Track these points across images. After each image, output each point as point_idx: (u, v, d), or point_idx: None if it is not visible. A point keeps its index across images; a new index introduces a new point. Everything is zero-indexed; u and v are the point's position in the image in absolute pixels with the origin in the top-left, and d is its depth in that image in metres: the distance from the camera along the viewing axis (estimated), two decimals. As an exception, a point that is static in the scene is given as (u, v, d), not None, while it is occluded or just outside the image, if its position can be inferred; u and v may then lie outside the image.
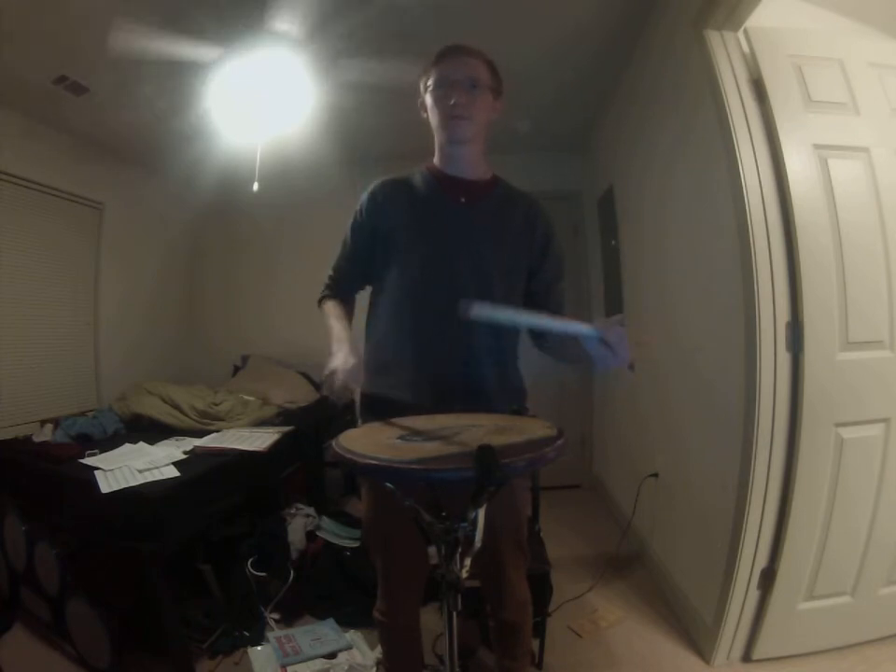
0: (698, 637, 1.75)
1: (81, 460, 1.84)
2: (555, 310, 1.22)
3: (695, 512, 1.93)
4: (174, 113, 2.44)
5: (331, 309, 1.22)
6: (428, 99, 1.15)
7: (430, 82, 1.14)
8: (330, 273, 1.30)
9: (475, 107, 1.11)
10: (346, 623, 1.88)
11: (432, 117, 1.16)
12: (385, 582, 1.21)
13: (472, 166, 1.19)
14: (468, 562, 0.79)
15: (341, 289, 1.27)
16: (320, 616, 1.93)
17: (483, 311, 0.84)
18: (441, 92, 1.11)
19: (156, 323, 3.52)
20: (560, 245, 1.24)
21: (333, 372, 0.99)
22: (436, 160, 1.21)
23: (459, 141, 1.14)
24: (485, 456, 0.66)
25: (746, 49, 1.58)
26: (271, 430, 2.35)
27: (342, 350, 1.05)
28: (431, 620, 1.48)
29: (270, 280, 3.75)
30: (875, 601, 1.64)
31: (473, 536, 0.78)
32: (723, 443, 1.68)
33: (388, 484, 0.79)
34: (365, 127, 2.72)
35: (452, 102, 1.09)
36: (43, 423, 2.28)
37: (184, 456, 1.92)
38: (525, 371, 1.26)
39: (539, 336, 1.22)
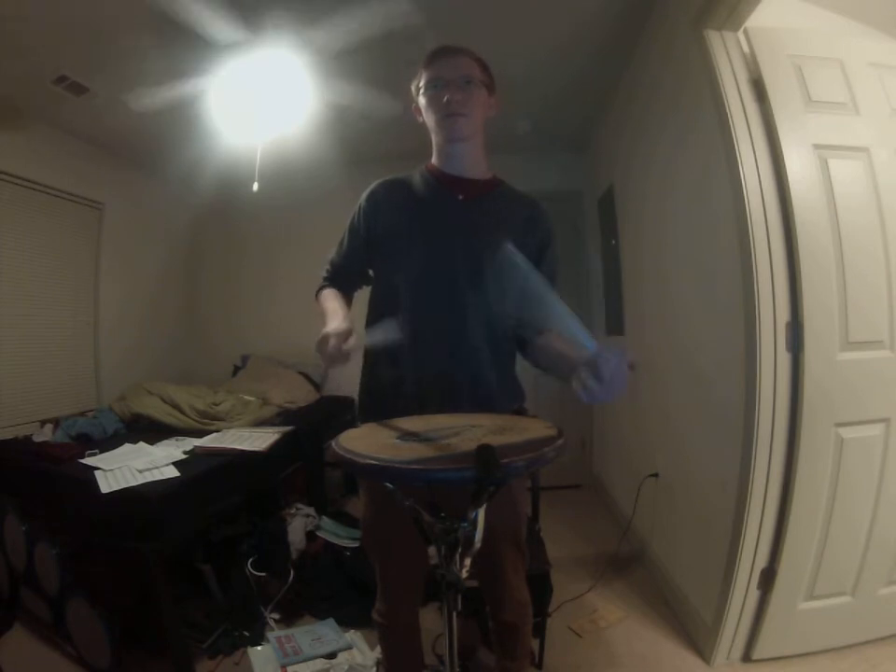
0: (698, 637, 1.75)
1: (81, 460, 1.84)
2: None
3: (695, 512, 1.93)
4: (174, 113, 2.44)
5: (326, 295, 1.21)
6: (422, 100, 1.14)
7: (423, 83, 1.13)
8: (327, 267, 1.29)
9: (471, 104, 1.11)
10: (346, 623, 1.88)
11: (428, 118, 1.15)
12: (383, 583, 1.21)
13: (472, 165, 1.18)
14: (468, 562, 0.79)
15: (336, 285, 1.27)
16: (320, 616, 1.93)
17: None
18: (434, 92, 1.11)
19: (156, 323, 3.52)
20: (557, 252, 1.23)
21: (325, 336, 0.97)
22: (434, 160, 1.21)
23: (457, 139, 1.13)
24: (485, 456, 0.66)
25: (746, 49, 1.58)
26: (271, 430, 2.35)
27: (335, 319, 1.03)
28: (431, 620, 1.48)
29: (270, 280, 3.76)
30: (875, 601, 1.64)
31: (473, 536, 0.77)
32: (723, 443, 1.68)
33: (388, 485, 0.79)
34: (365, 128, 2.72)
35: (446, 99, 1.08)
36: (43, 423, 2.28)
37: (184, 456, 1.92)
38: (525, 372, 1.25)
39: (522, 345, 1.21)
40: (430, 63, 1.13)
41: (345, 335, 0.97)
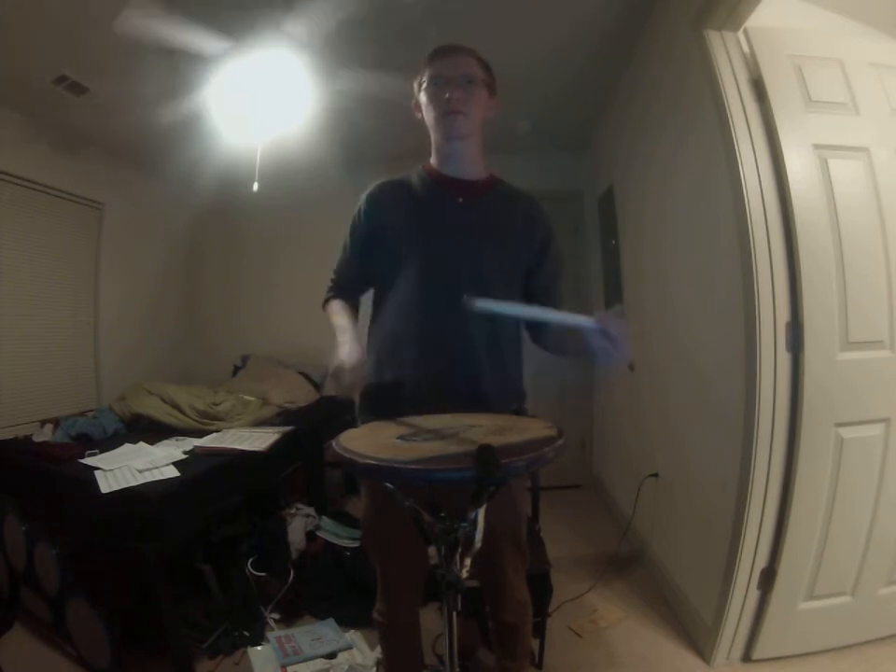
0: (698, 637, 1.75)
1: (81, 460, 1.84)
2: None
3: (695, 512, 1.93)
4: (174, 113, 2.44)
5: (334, 308, 1.22)
6: (423, 97, 1.15)
7: (424, 80, 1.14)
8: (332, 276, 1.29)
9: (471, 103, 1.11)
10: (346, 622, 1.88)
11: (427, 115, 1.15)
12: (384, 583, 1.21)
13: (470, 165, 1.18)
14: (468, 562, 0.79)
15: (343, 292, 1.27)
16: (320, 616, 1.93)
17: (484, 305, 0.85)
18: (435, 90, 1.11)
19: (156, 323, 3.52)
20: (559, 245, 1.24)
21: (340, 367, 0.99)
22: (433, 160, 1.21)
23: (456, 137, 1.14)
24: (485, 456, 0.66)
25: (746, 48, 1.58)
26: (271, 430, 2.35)
27: (346, 344, 1.05)
28: (431, 620, 1.48)
29: (270, 280, 3.76)
30: (875, 601, 1.64)
31: (473, 536, 0.77)
32: (723, 443, 1.68)
33: (388, 485, 0.79)
34: (365, 128, 2.72)
35: (447, 97, 1.09)
36: (43, 423, 2.28)
37: (184, 456, 1.92)
38: (525, 372, 1.26)
39: (536, 331, 1.22)
40: (433, 61, 1.13)
41: (359, 367, 1.01)
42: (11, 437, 2.24)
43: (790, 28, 1.60)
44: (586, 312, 0.87)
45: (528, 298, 1.21)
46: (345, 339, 1.07)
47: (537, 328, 1.22)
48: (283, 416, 2.73)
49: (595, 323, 0.83)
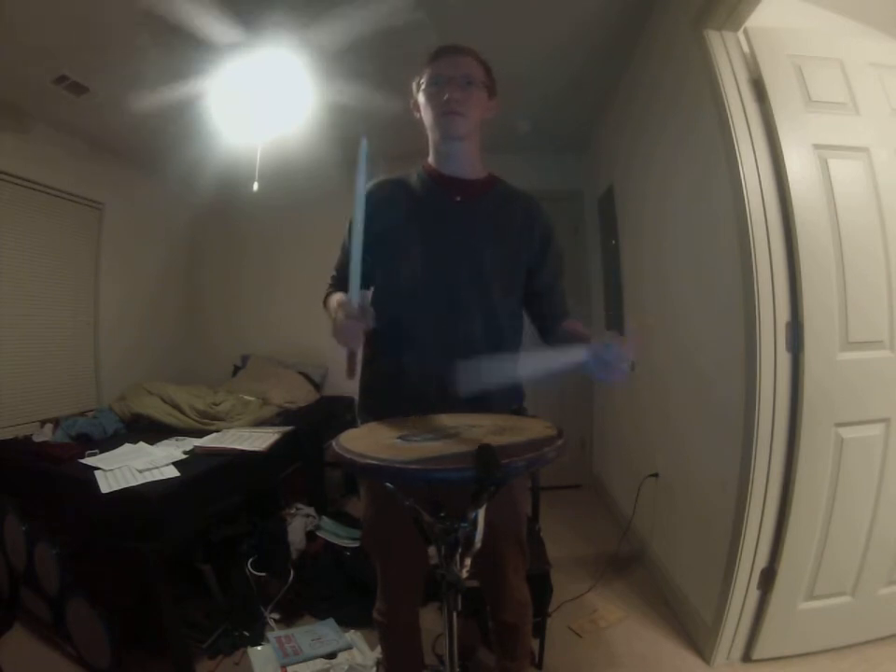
0: (698, 637, 1.75)
1: (81, 460, 1.84)
2: (555, 309, 1.23)
3: (695, 512, 1.93)
4: (174, 113, 2.44)
5: (332, 297, 1.20)
6: (422, 98, 1.15)
7: (424, 80, 1.14)
8: (333, 274, 1.29)
9: (469, 103, 1.11)
10: (346, 622, 1.88)
11: (425, 115, 1.15)
12: (384, 583, 1.21)
13: (468, 164, 1.18)
14: (468, 562, 0.79)
15: (343, 289, 1.26)
16: (320, 616, 1.93)
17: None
18: (434, 89, 1.11)
19: (156, 323, 3.52)
20: (559, 243, 1.24)
21: (345, 316, 0.97)
22: (431, 159, 1.21)
23: (454, 137, 1.14)
24: (486, 456, 0.66)
25: (746, 48, 1.58)
26: (270, 430, 2.35)
27: (346, 301, 1.01)
28: (431, 620, 1.48)
29: (270, 280, 3.76)
30: (875, 601, 1.64)
31: (473, 536, 0.78)
32: (723, 443, 1.68)
33: (388, 485, 0.79)
34: (365, 127, 2.72)
35: (446, 97, 1.09)
36: (43, 423, 2.28)
37: (184, 456, 1.92)
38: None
39: (545, 332, 1.22)
40: (433, 61, 1.13)
41: (362, 315, 0.97)
42: (11, 437, 2.24)
43: (790, 28, 1.60)
44: (587, 312, 0.88)
45: (530, 298, 1.21)
46: (346, 300, 1.03)
47: (545, 328, 1.22)
48: (283, 416, 2.73)
49: (591, 355, 0.85)
